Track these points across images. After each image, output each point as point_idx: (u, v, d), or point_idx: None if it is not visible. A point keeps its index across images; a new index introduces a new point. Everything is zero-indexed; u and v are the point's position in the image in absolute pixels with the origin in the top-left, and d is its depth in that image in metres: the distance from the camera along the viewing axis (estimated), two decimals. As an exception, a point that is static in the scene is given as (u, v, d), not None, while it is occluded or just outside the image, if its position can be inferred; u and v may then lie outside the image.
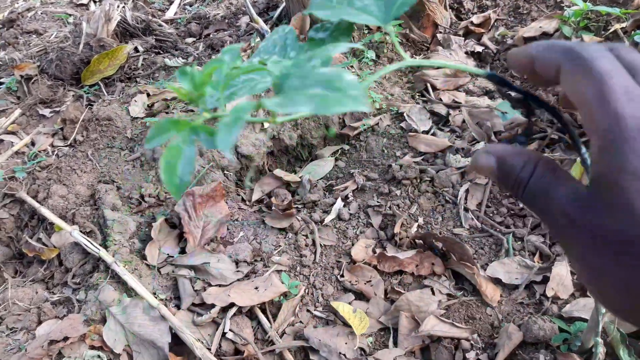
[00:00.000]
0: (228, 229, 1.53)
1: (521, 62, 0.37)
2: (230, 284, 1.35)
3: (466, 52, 2.06)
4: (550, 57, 0.34)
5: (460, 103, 1.82)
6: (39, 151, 1.85)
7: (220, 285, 1.35)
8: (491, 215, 1.48)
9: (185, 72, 0.39)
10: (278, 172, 1.72)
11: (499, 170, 0.36)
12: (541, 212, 0.34)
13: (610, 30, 1.80)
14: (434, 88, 1.92)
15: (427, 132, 1.74)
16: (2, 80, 2.24)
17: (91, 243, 1.45)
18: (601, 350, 1.02)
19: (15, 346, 1.25)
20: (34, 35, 2.70)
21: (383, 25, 0.42)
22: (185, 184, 0.36)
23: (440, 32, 2.17)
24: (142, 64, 2.36)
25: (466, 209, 1.49)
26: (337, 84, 0.31)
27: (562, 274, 1.26)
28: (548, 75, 0.35)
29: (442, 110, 1.80)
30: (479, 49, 2.06)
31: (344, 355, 1.19)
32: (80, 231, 1.51)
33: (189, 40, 2.63)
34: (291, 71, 0.36)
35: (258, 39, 2.10)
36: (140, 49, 2.45)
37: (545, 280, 1.27)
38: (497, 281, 1.31)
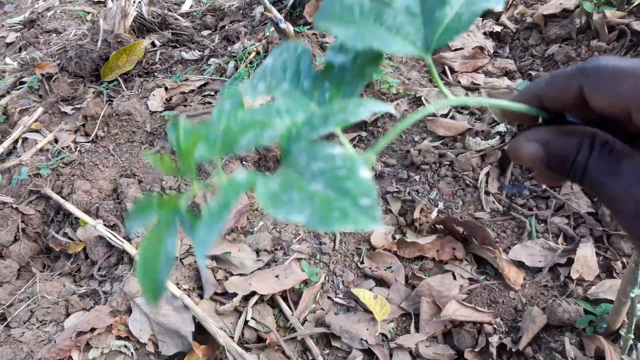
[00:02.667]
0: (248, 218, 1.54)
1: (529, 100, 0.36)
2: (251, 272, 1.36)
3: (484, 33, 2.02)
4: (563, 85, 0.33)
5: (479, 85, 1.79)
6: (62, 148, 1.89)
7: (241, 275, 1.36)
8: (513, 197, 1.45)
9: (177, 125, 0.33)
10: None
11: (550, 157, 0.32)
12: (607, 198, 0.30)
13: (635, 4, 1.73)
14: (452, 70, 1.89)
15: (445, 116, 1.71)
16: (24, 79, 2.29)
17: (115, 236, 1.48)
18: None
19: (45, 338, 1.29)
20: (54, 34, 2.74)
21: (423, 56, 0.34)
22: (163, 288, 0.30)
23: (457, 13, 2.12)
24: (159, 58, 2.38)
25: (487, 193, 1.47)
26: (346, 182, 0.24)
27: (587, 256, 1.23)
28: (566, 101, 0.33)
29: (460, 92, 1.77)
30: (498, 28, 2.02)
31: (366, 341, 1.19)
32: (104, 225, 1.54)
33: (205, 32, 2.64)
34: (303, 130, 0.29)
35: (272, 29, 2.09)
36: (157, 43, 2.47)
37: (570, 262, 1.24)
38: (520, 264, 1.29)
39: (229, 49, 2.35)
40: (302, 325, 1.26)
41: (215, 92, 2.08)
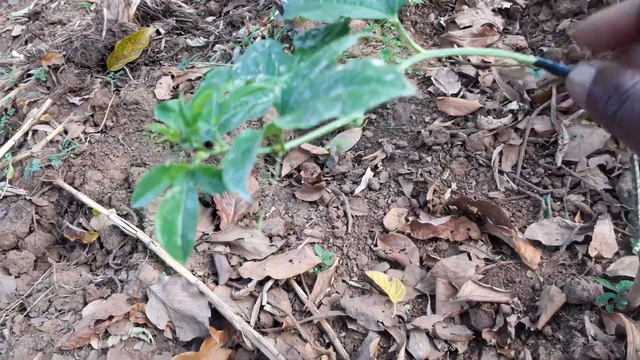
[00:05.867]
0: (260, 204, 1.54)
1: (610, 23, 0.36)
2: (265, 257, 1.36)
3: (493, 10, 1.98)
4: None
5: (490, 63, 1.76)
6: (72, 139, 1.89)
7: (255, 260, 1.36)
8: (527, 176, 1.43)
9: (167, 108, 0.33)
10: (306, 145, 1.71)
11: (589, 100, 0.34)
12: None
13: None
14: (462, 49, 1.86)
15: (456, 95, 1.69)
16: (31, 71, 2.28)
17: (128, 225, 1.48)
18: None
19: (64, 326, 1.30)
20: (59, 26, 2.73)
21: (388, 18, 0.36)
22: (190, 243, 0.29)
23: (466, -9, 2.08)
24: (164, 46, 2.36)
25: (501, 172, 1.45)
26: (365, 73, 0.26)
27: (605, 233, 1.21)
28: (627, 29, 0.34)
29: (471, 71, 1.75)
30: (507, 5, 1.98)
31: (382, 323, 1.19)
32: (117, 214, 1.54)
33: (209, 19, 2.61)
34: (294, 84, 0.31)
35: (277, 12, 2.07)
36: (162, 31, 2.45)
37: (588, 239, 1.23)
38: (536, 243, 1.27)
39: (234, 34, 2.33)
40: (318, 308, 1.26)
41: (223, 79, 2.06)
